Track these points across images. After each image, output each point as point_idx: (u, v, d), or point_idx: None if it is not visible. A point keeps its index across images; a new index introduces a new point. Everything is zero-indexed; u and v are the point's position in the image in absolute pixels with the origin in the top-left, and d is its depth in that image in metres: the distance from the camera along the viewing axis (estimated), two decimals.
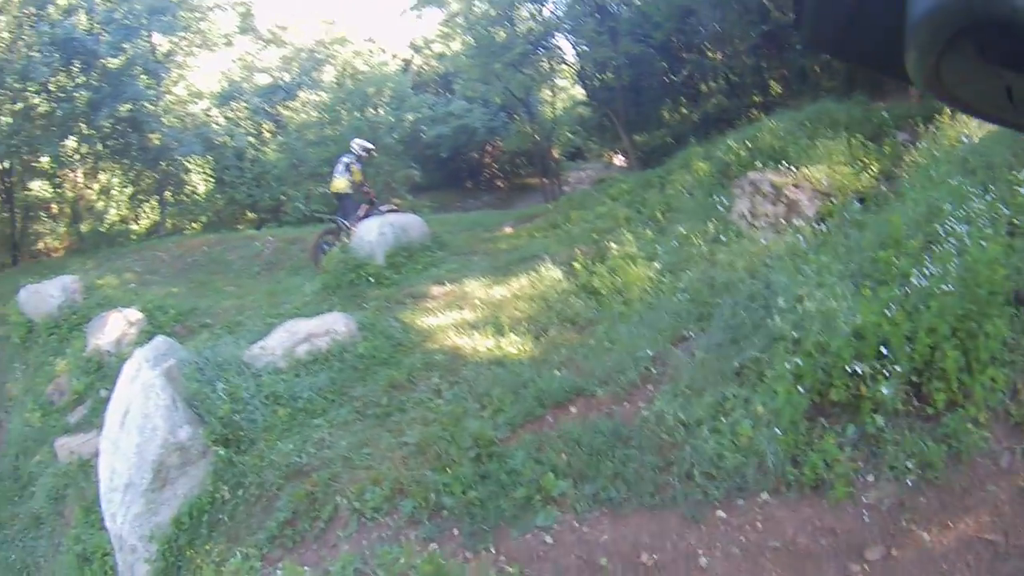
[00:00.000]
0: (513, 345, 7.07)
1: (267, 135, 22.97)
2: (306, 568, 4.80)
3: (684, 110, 20.67)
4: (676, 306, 6.60)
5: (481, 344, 7.22)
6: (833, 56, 0.74)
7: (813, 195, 8.01)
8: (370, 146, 13.25)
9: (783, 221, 7.84)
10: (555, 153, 22.70)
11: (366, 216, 12.22)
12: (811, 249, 6.32)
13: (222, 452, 6.06)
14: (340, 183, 12.53)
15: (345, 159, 12.56)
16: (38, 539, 8.22)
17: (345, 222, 12.28)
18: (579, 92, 25.44)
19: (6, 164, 16.92)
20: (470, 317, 8.01)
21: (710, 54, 18.01)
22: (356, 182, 12.43)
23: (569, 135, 25.66)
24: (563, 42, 18.48)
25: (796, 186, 8.01)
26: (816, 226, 7.26)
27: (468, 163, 28.26)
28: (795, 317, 4.83)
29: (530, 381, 6.03)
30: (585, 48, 14.69)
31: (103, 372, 10.03)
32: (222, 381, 6.67)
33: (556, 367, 6.36)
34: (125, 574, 6.34)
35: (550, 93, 23.41)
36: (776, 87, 18.47)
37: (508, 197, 25.39)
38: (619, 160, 27.39)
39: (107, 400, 8.40)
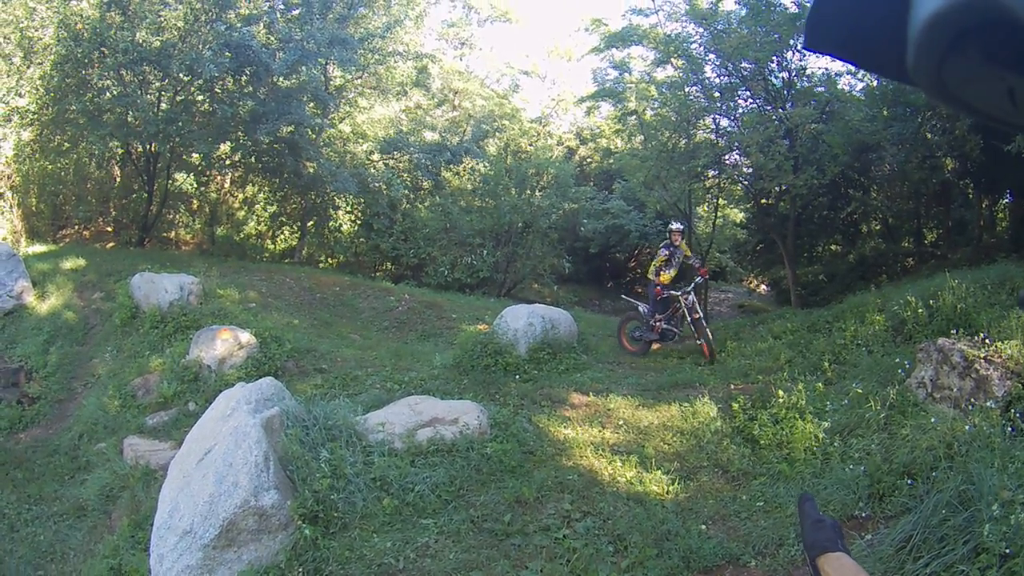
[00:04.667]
0: (657, 483, 6.36)
1: (424, 192, 23.21)
2: None
3: (836, 247, 20.02)
4: (847, 478, 5.85)
5: (621, 473, 6.54)
6: (836, 57, 0.67)
7: (1005, 374, 7.16)
8: (676, 226, 11.96)
9: (971, 399, 7.01)
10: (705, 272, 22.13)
11: (667, 311, 11.37)
12: (1013, 443, 5.58)
13: (308, 531, 5.52)
14: (650, 268, 12.05)
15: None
16: (76, 529, 7.80)
17: (645, 308, 11.77)
18: (736, 214, 24.95)
19: (154, 147, 17.22)
20: (611, 438, 7.37)
21: (874, 194, 17.34)
22: (655, 266, 11.78)
23: (717, 255, 25.04)
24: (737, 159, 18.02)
25: (987, 360, 7.18)
26: (1006, 410, 6.44)
27: (614, 263, 28.10)
28: (1006, 528, 4.22)
29: (675, 534, 5.37)
30: (772, 170, 14.10)
31: (197, 385, 9.90)
32: (328, 449, 6.18)
33: (704, 520, 5.71)
34: None
35: (707, 210, 22.96)
36: (930, 235, 17.73)
37: None
38: (763, 288, 26.60)
39: (193, 416, 8.22)
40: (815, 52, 0.74)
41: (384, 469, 6.22)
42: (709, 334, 10.67)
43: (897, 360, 7.83)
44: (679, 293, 11.08)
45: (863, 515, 5.40)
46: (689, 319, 10.92)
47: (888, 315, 9.42)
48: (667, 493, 6.24)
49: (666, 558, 5.07)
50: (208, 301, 12.09)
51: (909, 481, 5.43)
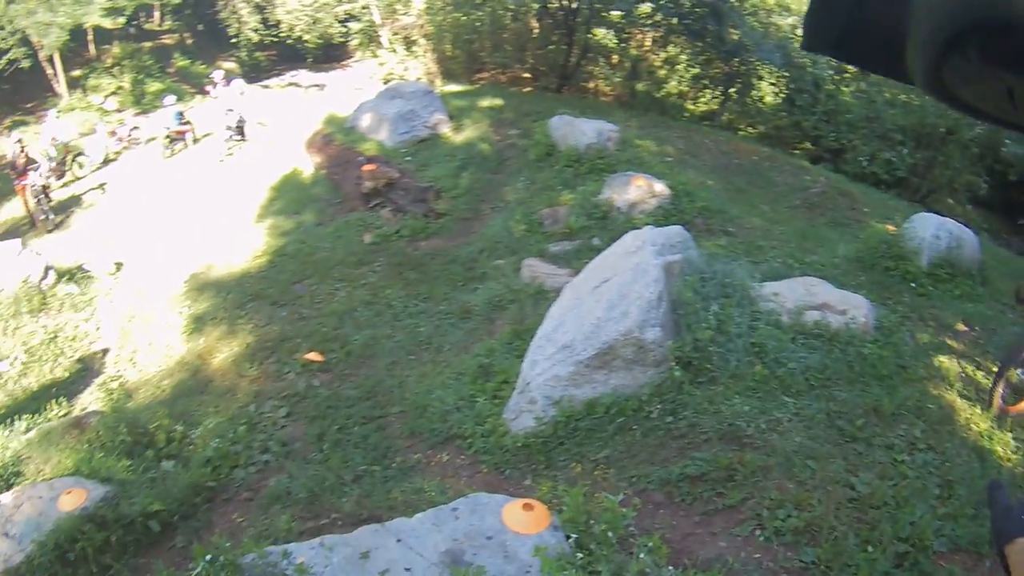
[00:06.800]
0: (1004, 445, 5.75)
1: (848, 76, 21.69)
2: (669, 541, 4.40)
3: None
4: None
5: (975, 423, 6.13)
6: (834, 57, 0.70)
7: None
8: None
9: None
10: None
11: None
12: None
13: (679, 373, 5.80)
14: None
15: None
16: (456, 328, 8.60)
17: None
18: None
19: (574, 4, 17.57)
20: (984, 382, 6.87)
21: None
22: None
23: None
24: None
25: None
26: None
27: None
28: None
29: None
30: None
31: (604, 223, 10.39)
32: (718, 304, 6.30)
33: None
34: (512, 412, 6.29)
35: None
36: None
37: None
38: None
39: (595, 250, 8.53)
40: (815, 53, 0.75)
41: (765, 337, 6.27)
42: None
43: None
44: None
45: None
46: None
47: None
48: (1009, 459, 5.86)
49: (981, 523, 4.76)
50: (624, 149, 12.50)
51: None
